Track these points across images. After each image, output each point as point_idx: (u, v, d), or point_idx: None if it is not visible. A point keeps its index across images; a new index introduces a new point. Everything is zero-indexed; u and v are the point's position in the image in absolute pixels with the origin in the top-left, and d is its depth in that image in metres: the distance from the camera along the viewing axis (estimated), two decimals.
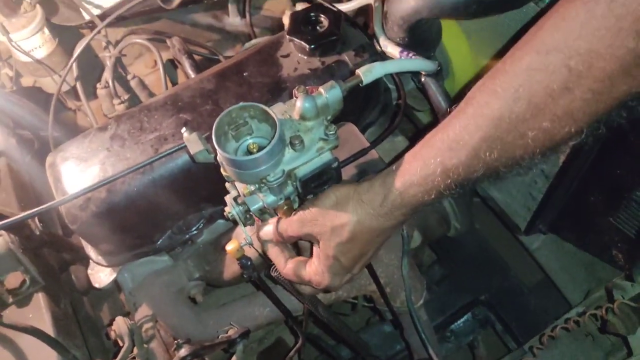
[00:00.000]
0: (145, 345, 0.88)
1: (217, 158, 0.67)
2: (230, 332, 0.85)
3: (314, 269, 0.72)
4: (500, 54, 0.94)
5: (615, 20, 0.45)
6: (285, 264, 0.75)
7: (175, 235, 0.94)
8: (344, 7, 1.05)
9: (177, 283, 0.95)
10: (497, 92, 0.54)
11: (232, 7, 1.34)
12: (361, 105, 0.95)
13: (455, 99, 0.94)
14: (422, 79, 0.91)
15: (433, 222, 1.18)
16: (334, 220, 0.67)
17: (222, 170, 0.69)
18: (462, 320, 1.36)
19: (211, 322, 0.92)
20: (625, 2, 0.44)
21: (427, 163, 0.60)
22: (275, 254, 0.76)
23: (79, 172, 0.84)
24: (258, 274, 0.81)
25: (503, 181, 1.26)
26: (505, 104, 0.53)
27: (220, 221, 0.96)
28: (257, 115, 0.67)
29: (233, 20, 1.37)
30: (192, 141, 0.69)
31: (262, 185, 0.67)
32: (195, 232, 0.94)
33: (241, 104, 0.65)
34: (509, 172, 0.58)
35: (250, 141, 0.68)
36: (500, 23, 0.92)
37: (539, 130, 0.52)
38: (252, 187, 0.68)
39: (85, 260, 1.10)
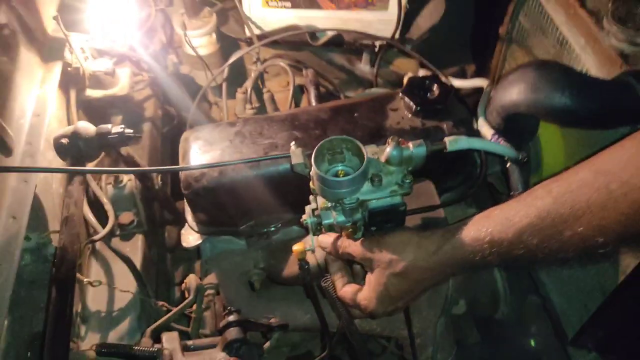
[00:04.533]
0: (202, 306, 1.05)
1: (310, 172, 0.82)
2: (272, 320, 0.99)
3: (364, 294, 0.84)
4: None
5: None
6: (342, 287, 0.87)
7: (257, 226, 1.10)
8: (458, 83, 1.18)
9: (244, 266, 1.11)
10: (551, 192, 0.64)
11: (365, 56, 1.52)
12: (445, 170, 1.06)
13: None
14: (508, 165, 1.01)
15: (482, 297, 1.23)
16: (393, 254, 0.79)
17: (311, 183, 0.84)
18: None
19: (260, 308, 1.06)
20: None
21: (480, 230, 0.71)
22: (338, 276, 0.89)
23: (203, 152, 1.04)
24: (311, 279, 0.94)
25: (566, 286, 1.29)
26: (554, 203, 0.63)
27: (295, 227, 1.11)
28: (353, 149, 0.81)
29: (363, 67, 1.55)
30: (296, 154, 0.85)
31: (338, 205, 0.81)
32: (273, 229, 1.10)
33: (344, 136, 0.80)
34: (545, 261, 0.67)
35: (340, 168, 0.83)
36: (597, 133, 0.98)
37: (575, 232, 0.61)
38: (329, 204, 0.82)
39: (179, 224, 1.31)
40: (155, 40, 1.40)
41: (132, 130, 0.92)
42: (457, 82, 1.18)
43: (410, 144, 0.80)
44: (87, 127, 0.86)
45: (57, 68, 0.98)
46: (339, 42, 1.42)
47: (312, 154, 0.79)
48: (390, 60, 1.54)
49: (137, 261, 1.07)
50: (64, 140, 0.83)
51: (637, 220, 0.56)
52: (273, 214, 1.09)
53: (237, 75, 1.45)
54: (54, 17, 0.95)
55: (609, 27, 0.99)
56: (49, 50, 0.99)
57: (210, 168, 1.01)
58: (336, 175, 0.82)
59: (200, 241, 1.11)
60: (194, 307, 1.04)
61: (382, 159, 0.81)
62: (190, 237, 1.12)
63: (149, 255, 1.12)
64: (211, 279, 1.10)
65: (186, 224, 1.11)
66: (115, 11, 1.13)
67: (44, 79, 0.96)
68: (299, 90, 1.43)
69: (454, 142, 0.81)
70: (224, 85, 1.34)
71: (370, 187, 0.80)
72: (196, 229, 1.10)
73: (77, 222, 0.78)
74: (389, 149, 0.79)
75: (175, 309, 0.96)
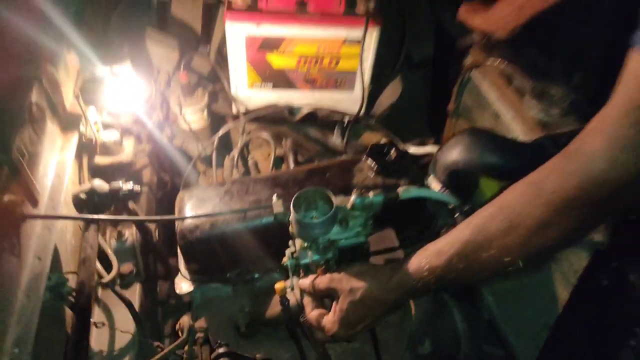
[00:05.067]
0: (194, 347, 1.16)
1: (290, 218, 0.98)
2: (257, 356, 1.10)
3: (329, 319, 0.98)
4: None
5: (532, 198, 0.73)
6: (311, 311, 1.02)
7: (242, 274, 1.24)
8: (415, 150, 1.39)
9: (231, 310, 1.23)
10: (470, 225, 0.82)
11: (337, 130, 1.74)
12: (405, 220, 1.24)
13: None
14: (456, 216, 1.19)
15: (445, 337, 1.36)
16: (353, 283, 0.94)
17: (290, 228, 1.01)
18: None
19: (245, 348, 1.17)
20: (534, 186, 0.74)
21: (420, 261, 0.87)
22: (307, 301, 1.03)
23: (197, 207, 1.20)
24: (290, 315, 1.08)
25: (519, 327, 1.43)
26: (471, 234, 0.80)
27: (276, 275, 1.25)
28: (324, 198, 0.98)
29: (335, 140, 1.76)
30: (277, 205, 1.02)
31: (313, 245, 0.97)
32: (256, 276, 1.24)
33: (317, 188, 0.98)
34: (475, 281, 0.83)
35: (314, 214, 1.00)
36: None
37: (489, 254, 0.78)
38: (306, 245, 0.98)
39: (170, 278, 1.43)
40: (154, 116, 1.59)
41: (139, 187, 1.08)
42: (414, 149, 1.39)
43: (370, 193, 0.97)
44: (101, 185, 1.02)
45: (74, 138, 1.15)
46: (314, 117, 1.64)
47: (290, 205, 0.97)
48: (358, 133, 1.76)
49: (136, 306, 1.19)
50: (82, 195, 0.98)
51: (532, 240, 0.74)
52: (257, 262, 1.23)
53: (225, 146, 1.64)
54: (75, 95, 1.14)
55: (530, 102, 1.23)
56: (68, 122, 1.17)
57: (202, 221, 1.16)
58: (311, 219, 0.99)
59: (192, 289, 1.24)
60: (186, 348, 1.15)
61: (348, 206, 0.98)
62: (183, 285, 1.25)
63: (145, 303, 1.23)
64: (201, 323, 1.22)
65: (179, 273, 1.25)
66: (124, 91, 1.33)
67: (63, 147, 1.13)
68: (280, 160, 1.63)
69: (405, 192, 1.00)
70: (214, 154, 1.53)
71: (339, 229, 0.97)
72: (188, 277, 1.23)
73: (92, 262, 0.91)
74: (353, 197, 0.97)
75: (170, 346, 1.07)
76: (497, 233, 0.77)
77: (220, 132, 1.50)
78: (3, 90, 0.99)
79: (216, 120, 1.68)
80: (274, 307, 1.20)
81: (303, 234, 0.96)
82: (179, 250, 1.22)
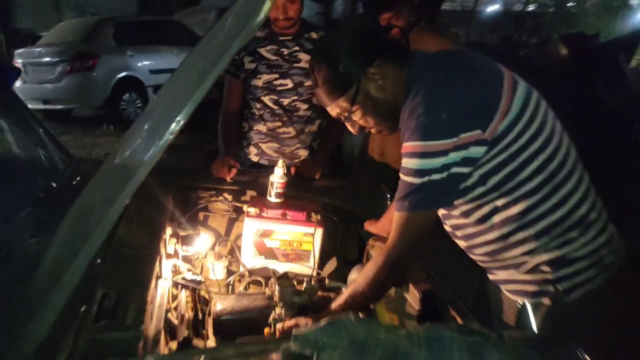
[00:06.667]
0: None
1: (275, 292, 2.09)
2: None
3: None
4: None
5: (371, 265, 1.92)
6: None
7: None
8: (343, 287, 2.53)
9: None
10: (353, 284, 1.97)
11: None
12: None
13: None
14: None
15: None
16: (307, 320, 2.00)
17: (275, 297, 2.10)
18: None
19: None
20: (372, 259, 1.95)
21: (334, 304, 1.98)
22: (287, 323, 2.05)
23: (223, 299, 2.26)
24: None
25: None
26: (354, 286, 1.94)
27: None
28: (291, 283, 2.12)
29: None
30: (268, 290, 2.15)
31: (286, 304, 2.07)
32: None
33: (288, 280, 2.13)
34: (359, 306, 1.94)
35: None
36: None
37: (360, 292, 1.90)
38: (282, 304, 2.08)
39: None
40: (199, 267, 2.73)
41: (202, 279, 2.18)
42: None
43: (313, 282, 2.12)
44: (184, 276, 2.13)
45: (171, 261, 2.30)
46: (287, 276, 2.80)
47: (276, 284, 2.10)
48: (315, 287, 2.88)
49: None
50: (179, 281, 2.07)
51: (373, 283, 1.89)
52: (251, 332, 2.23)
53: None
54: (175, 243, 2.33)
55: None
56: (169, 254, 2.34)
57: (226, 307, 2.22)
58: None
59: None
60: None
61: (302, 288, 2.12)
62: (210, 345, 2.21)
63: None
64: None
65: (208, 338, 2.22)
66: (192, 249, 2.54)
67: (166, 263, 2.27)
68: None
69: (330, 284, 2.15)
70: (229, 290, 2.62)
71: (298, 296, 2.08)
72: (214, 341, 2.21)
73: (183, 307, 1.93)
74: (305, 284, 2.12)
75: None
76: (361, 283, 1.93)
77: (232, 278, 2.64)
78: (153, 241, 2.20)
79: (231, 274, 2.82)
80: None
81: (282, 297, 2.08)
82: (211, 322, 2.23)
